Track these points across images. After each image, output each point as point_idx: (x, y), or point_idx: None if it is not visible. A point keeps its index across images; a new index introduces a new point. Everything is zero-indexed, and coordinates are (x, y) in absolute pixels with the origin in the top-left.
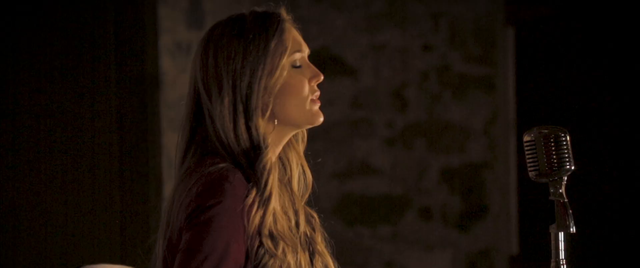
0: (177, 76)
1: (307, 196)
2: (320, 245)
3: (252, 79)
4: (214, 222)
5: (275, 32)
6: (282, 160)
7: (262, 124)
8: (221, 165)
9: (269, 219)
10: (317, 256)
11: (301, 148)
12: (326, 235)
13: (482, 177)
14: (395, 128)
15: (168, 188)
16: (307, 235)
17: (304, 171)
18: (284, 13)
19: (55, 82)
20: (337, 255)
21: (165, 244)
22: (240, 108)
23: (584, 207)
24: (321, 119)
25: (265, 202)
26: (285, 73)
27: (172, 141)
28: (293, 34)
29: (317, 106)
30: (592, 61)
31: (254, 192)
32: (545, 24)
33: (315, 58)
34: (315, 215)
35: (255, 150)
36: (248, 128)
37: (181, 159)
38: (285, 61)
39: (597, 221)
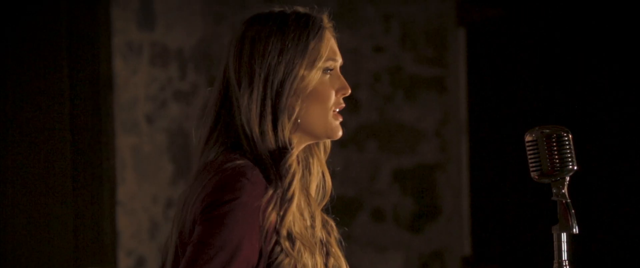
0: (129, 77)
1: (325, 202)
2: (335, 248)
3: (286, 78)
4: (228, 217)
5: (315, 36)
6: (302, 165)
7: (287, 125)
8: (239, 162)
9: (289, 219)
10: (331, 259)
11: (323, 155)
12: (341, 239)
13: (434, 178)
14: (347, 129)
15: (122, 190)
16: (322, 239)
17: (323, 178)
18: (326, 19)
19: (8, 84)
20: None
21: (177, 236)
22: (269, 104)
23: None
24: (340, 133)
25: (287, 202)
26: (317, 78)
27: (125, 143)
28: (331, 42)
29: (338, 121)
30: (543, 61)
31: (272, 190)
32: (497, 25)
33: None
34: (331, 222)
35: (280, 150)
36: (274, 127)
37: (202, 147)
38: (320, 66)
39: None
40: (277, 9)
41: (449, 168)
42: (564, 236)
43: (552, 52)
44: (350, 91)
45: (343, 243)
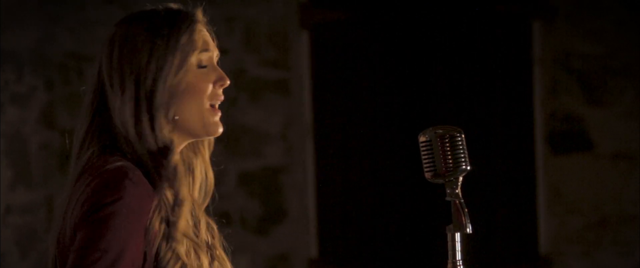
0: None
1: (207, 202)
2: (220, 251)
3: (157, 76)
4: (111, 220)
5: (186, 30)
6: (185, 165)
7: (165, 125)
8: (119, 163)
9: (182, 223)
10: (216, 262)
11: (207, 153)
12: (225, 242)
13: (280, 181)
14: None
15: None
16: (207, 241)
17: (206, 177)
18: (199, 14)
19: None
20: None
21: (54, 245)
22: (144, 104)
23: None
24: (220, 130)
25: (177, 207)
26: (190, 73)
27: None
28: (203, 35)
29: (216, 117)
30: (387, 63)
31: (160, 195)
32: (340, 27)
33: None
34: (214, 224)
35: (161, 152)
36: (152, 127)
37: (77, 151)
38: (192, 60)
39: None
40: (149, 7)
41: (295, 171)
42: (457, 236)
43: (395, 53)
44: (228, 82)
45: (227, 247)
